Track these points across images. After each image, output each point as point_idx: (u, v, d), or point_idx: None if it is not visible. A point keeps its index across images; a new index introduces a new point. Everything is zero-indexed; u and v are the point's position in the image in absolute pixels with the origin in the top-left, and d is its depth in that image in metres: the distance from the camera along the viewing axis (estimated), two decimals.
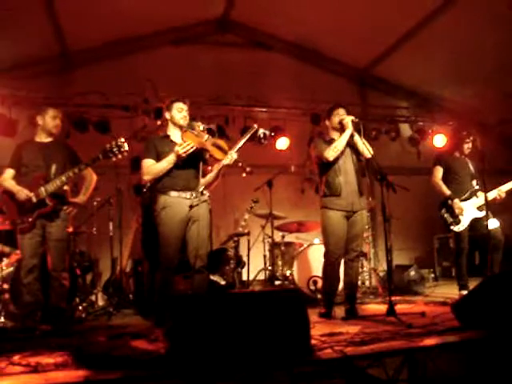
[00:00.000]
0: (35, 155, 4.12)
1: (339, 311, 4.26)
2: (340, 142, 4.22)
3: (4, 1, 5.36)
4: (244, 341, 2.57)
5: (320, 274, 4.54)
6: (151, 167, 3.83)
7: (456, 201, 5.15)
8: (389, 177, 4.03)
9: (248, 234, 6.20)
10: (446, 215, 5.22)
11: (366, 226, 6.07)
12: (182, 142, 3.74)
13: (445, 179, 5.30)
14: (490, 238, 4.81)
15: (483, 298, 3.21)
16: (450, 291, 5.50)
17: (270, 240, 6.08)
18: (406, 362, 2.76)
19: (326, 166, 4.28)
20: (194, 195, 3.83)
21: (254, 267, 6.20)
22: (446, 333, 3.06)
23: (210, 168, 4.01)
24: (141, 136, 6.06)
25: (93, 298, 5.56)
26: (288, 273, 5.76)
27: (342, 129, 4.29)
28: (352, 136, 4.23)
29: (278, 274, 5.92)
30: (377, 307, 4.85)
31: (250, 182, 5.23)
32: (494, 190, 5.13)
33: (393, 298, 3.83)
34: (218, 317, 2.59)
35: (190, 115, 4.00)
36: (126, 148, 3.95)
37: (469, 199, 5.19)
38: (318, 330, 3.33)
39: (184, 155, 3.72)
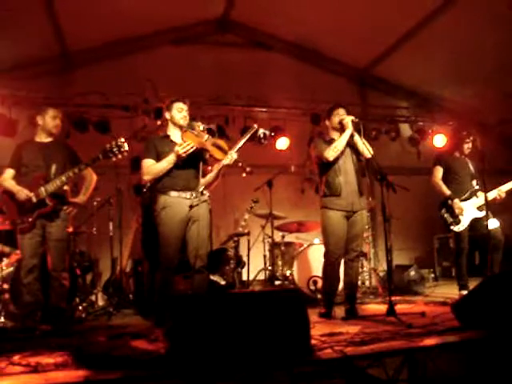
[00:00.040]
0: (35, 155, 4.12)
1: (339, 311, 4.26)
2: (340, 141, 4.22)
3: (4, 1, 5.36)
4: (244, 341, 2.57)
5: (320, 274, 4.54)
6: (151, 167, 3.83)
7: (456, 201, 5.15)
8: (389, 177, 4.03)
9: (248, 234, 6.20)
10: (446, 215, 5.22)
11: (366, 226, 6.07)
12: (182, 142, 3.74)
13: (445, 179, 5.30)
14: (490, 238, 4.81)
15: (483, 298, 3.21)
16: (450, 291, 5.50)
17: (270, 240, 6.08)
18: (405, 362, 2.76)
19: (326, 166, 4.28)
20: (194, 195, 3.83)
21: (254, 267, 6.20)
22: (446, 333, 3.06)
23: (210, 168, 4.01)
24: (141, 136, 6.06)
25: (93, 298, 5.56)
26: (288, 273, 5.76)
27: (342, 129, 4.29)
28: (352, 136, 4.23)
29: (278, 274, 5.92)
30: (377, 307, 4.85)
31: (249, 182, 5.23)
32: (493, 190, 5.13)
33: (393, 298, 3.83)
34: (218, 317, 2.59)
35: (190, 115, 4.00)
36: (126, 148, 3.95)
37: (469, 199, 5.19)
38: (318, 329, 3.33)
39: (184, 155, 3.72)
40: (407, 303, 4.97)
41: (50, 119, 4.18)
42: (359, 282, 5.80)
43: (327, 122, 4.46)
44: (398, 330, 3.26)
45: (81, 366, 2.57)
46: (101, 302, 5.58)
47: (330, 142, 4.30)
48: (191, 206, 3.79)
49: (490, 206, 4.94)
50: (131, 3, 5.97)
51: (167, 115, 3.97)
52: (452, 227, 5.17)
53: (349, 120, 4.21)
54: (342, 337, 3.08)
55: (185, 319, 2.57)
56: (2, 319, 4.40)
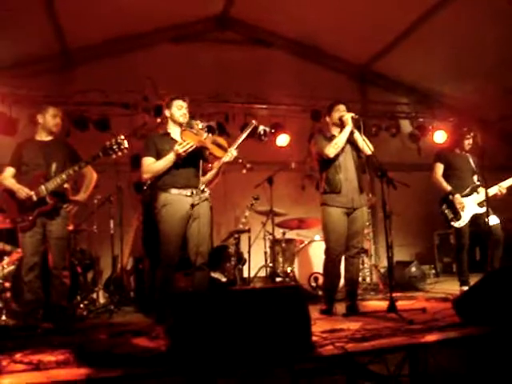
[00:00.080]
0: (35, 154, 4.12)
1: (340, 308, 4.27)
2: (340, 138, 4.22)
3: (4, 1, 5.35)
4: (245, 338, 2.58)
5: (321, 270, 4.55)
6: (151, 166, 3.83)
7: (457, 196, 5.15)
8: (389, 173, 4.01)
9: (249, 230, 6.21)
10: (446, 211, 5.22)
11: (367, 223, 6.06)
12: (182, 142, 3.73)
13: (445, 175, 5.30)
14: (490, 233, 4.81)
15: (484, 293, 3.21)
16: (451, 287, 5.50)
17: (270, 237, 6.08)
18: (407, 357, 2.76)
19: (327, 163, 4.28)
20: (195, 193, 3.83)
21: (255, 264, 6.19)
22: (446, 329, 3.06)
23: (210, 166, 4.01)
24: (141, 134, 6.06)
25: (94, 295, 5.55)
26: (289, 269, 5.77)
27: (342, 125, 4.28)
28: (352, 133, 4.23)
29: (278, 270, 5.92)
30: (378, 303, 4.85)
31: (250, 179, 5.23)
32: (494, 186, 5.13)
33: (394, 295, 3.83)
34: (219, 314, 2.60)
35: (189, 113, 4.00)
36: (126, 145, 3.95)
37: (470, 195, 5.19)
38: (319, 326, 3.33)
39: (184, 154, 3.72)
40: (408, 299, 4.98)
41: (50, 118, 4.18)
42: (360, 279, 5.79)
43: (327, 119, 4.45)
44: (398, 326, 3.26)
45: (82, 364, 2.57)
46: (102, 300, 5.58)
47: (331, 138, 4.30)
48: (193, 205, 3.79)
49: (491, 202, 4.93)
50: (131, 1, 5.96)
51: (167, 113, 3.97)
52: (453, 223, 5.18)
53: (348, 117, 4.21)
54: (343, 333, 3.08)
55: (186, 316, 2.57)
56: (4, 317, 4.42)
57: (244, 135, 4.17)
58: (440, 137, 7.50)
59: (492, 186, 5.09)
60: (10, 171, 4.12)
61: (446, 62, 7.09)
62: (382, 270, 6.47)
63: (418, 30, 6.74)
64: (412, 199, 7.35)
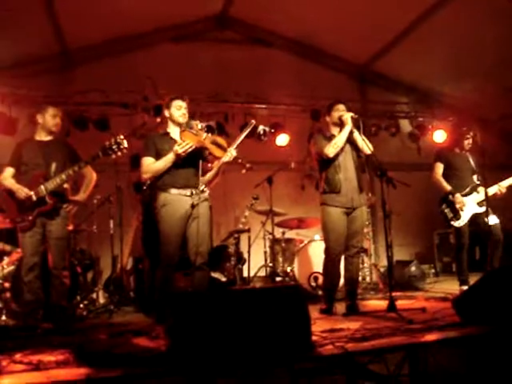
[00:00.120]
0: (35, 153, 4.11)
1: (340, 307, 4.27)
2: (339, 138, 4.21)
3: (4, 1, 5.35)
4: (245, 337, 2.58)
5: (321, 270, 4.54)
6: (150, 166, 3.83)
7: (457, 195, 5.15)
8: (389, 173, 4.01)
9: (248, 230, 6.21)
10: (446, 210, 5.22)
11: (366, 222, 6.07)
12: (181, 142, 3.73)
13: (445, 175, 5.30)
14: (490, 233, 4.81)
15: (484, 293, 3.21)
16: (451, 287, 5.50)
17: (270, 236, 6.09)
18: (406, 357, 2.77)
19: (326, 163, 4.28)
20: (195, 193, 3.83)
21: (255, 264, 6.19)
22: (446, 328, 3.06)
23: (209, 166, 4.01)
24: (140, 133, 6.06)
25: (94, 295, 5.55)
26: (289, 269, 5.77)
27: (342, 125, 4.28)
28: (352, 132, 4.23)
29: (278, 270, 5.92)
30: (377, 303, 4.85)
31: (250, 178, 5.23)
32: (494, 186, 5.13)
33: (393, 294, 3.83)
34: (219, 314, 2.60)
35: (189, 112, 4.00)
36: (126, 145, 3.95)
37: (469, 194, 5.19)
38: (319, 326, 3.33)
39: (183, 155, 3.72)
40: (408, 299, 4.98)
41: (50, 118, 4.18)
42: (360, 278, 5.78)
43: (327, 118, 4.45)
44: (398, 325, 3.26)
45: (82, 364, 2.57)
46: (102, 300, 5.58)
47: (331, 138, 4.30)
48: (192, 205, 3.79)
49: (491, 202, 4.94)
50: (131, 1, 5.96)
51: (166, 113, 3.97)
52: (452, 222, 5.18)
53: (348, 116, 4.21)
54: (343, 333, 3.08)
55: (186, 316, 2.57)
56: (4, 317, 4.42)
57: (243, 135, 4.16)
58: (440, 136, 7.50)
59: (492, 186, 5.10)
60: (9, 171, 4.12)
61: (446, 62, 7.09)
62: (382, 270, 6.47)
63: (418, 29, 6.75)
64: (412, 199, 7.36)
